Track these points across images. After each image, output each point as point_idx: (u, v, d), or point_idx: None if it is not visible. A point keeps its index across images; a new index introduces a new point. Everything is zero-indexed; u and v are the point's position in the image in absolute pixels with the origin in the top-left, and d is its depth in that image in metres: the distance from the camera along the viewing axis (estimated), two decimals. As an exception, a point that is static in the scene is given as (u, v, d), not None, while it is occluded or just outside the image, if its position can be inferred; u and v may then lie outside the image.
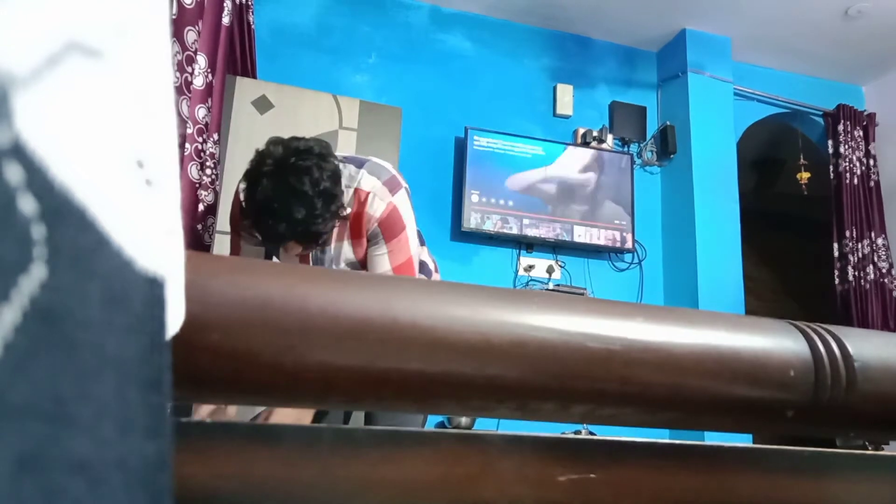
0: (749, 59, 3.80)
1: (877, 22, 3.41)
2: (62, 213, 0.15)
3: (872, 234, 3.68)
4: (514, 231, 3.20)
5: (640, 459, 0.41)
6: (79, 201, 0.16)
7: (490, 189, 3.21)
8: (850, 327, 0.47)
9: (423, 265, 1.49)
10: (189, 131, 1.66)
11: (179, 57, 1.57)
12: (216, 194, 1.85)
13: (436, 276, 1.55)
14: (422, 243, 1.52)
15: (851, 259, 3.64)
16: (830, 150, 3.85)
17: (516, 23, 3.59)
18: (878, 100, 3.99)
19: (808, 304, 4.66)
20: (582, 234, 3.31)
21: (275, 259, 1.38)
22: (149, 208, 0.19)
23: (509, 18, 3.57)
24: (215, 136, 1.81)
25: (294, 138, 1.21)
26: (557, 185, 3.33)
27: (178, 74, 1.57)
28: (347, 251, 1.36)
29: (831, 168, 3.83)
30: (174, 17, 1.53)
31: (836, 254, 3.74)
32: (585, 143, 3.48)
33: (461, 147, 3.28)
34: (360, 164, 1.34)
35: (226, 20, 1.84)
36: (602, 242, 3.32)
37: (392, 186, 1.33)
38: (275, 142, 1.20)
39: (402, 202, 1.34)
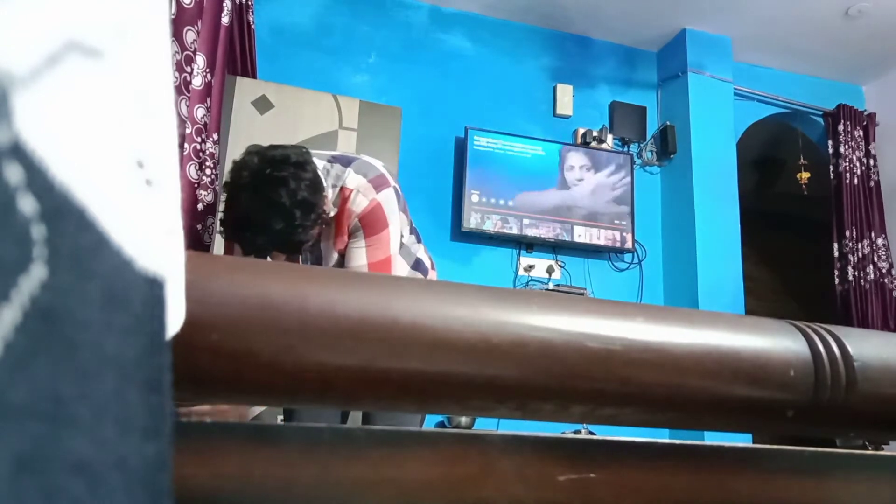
0: (749, 59, 3.80)
1: (877, 22, 3.41)
2: (62, 213, 0.15)
3: (872, 234, 3.68)
4: (514, 231, 3.20)
5: (640, 459, 0.41)
6: (79, 201, 0.16)
7: (490, 189, 3.21)
8: (850, 327, 0.47)
9: (419, 263, 1.49)
10: (188, 131, 1.66)
11: (178, 57, 1.57)
12: (216, 194, 1.85)
13: (432, 274, 1.54)
14: (418, 240, 1.51)
15: (851, 259, 3.64)
16: (830, 150, 3.85)
17: (516, 22, 3.59)
18: (878, 100, 3.99)
19: (808, 305, 4.66)
20: (582, 234, 3.31)
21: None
22: (149, 208, 0.19)
23: (509, 18, 3.57)
24: (215, 136, 1.81)
25: (272, 147, 1.20)
26: (561, 193, 3.33)
27: (176, 74, 1.57)
28: (334, 250, 1.36)
29: (831, 168, 3.83)
30: (173, 16, 1.53)
31: (836, 254, 3.74)
32: (585, 143, 3.48)
33: (461, 147, 3.28)
34: (347, 162, 1.33)
35: (225, 20, 1.84)
36: (602, 242, 3.32)
37: (378, 184, 1.32)
38: (251, 151, 1.19)
39: (388, 200, 1.32)
